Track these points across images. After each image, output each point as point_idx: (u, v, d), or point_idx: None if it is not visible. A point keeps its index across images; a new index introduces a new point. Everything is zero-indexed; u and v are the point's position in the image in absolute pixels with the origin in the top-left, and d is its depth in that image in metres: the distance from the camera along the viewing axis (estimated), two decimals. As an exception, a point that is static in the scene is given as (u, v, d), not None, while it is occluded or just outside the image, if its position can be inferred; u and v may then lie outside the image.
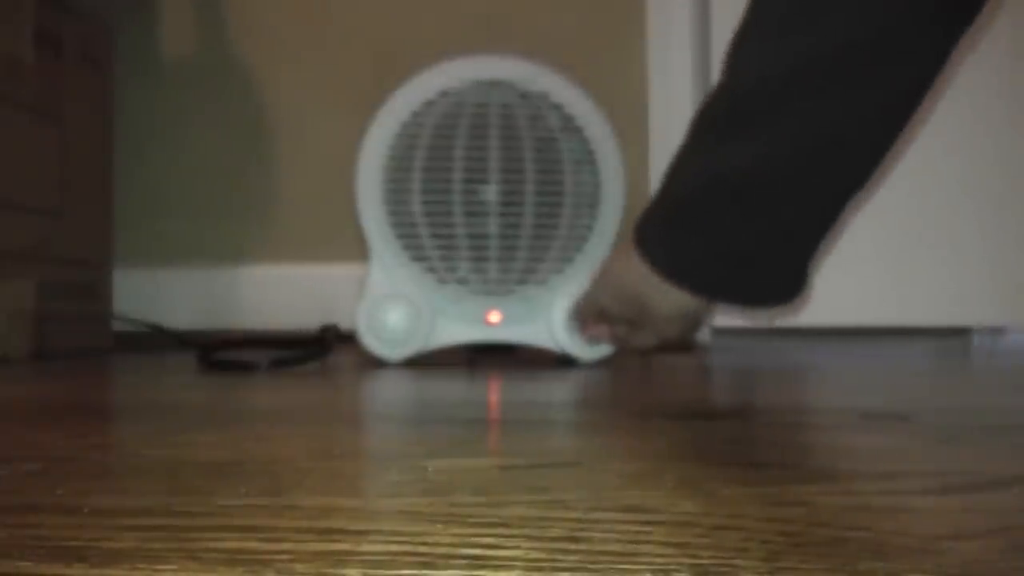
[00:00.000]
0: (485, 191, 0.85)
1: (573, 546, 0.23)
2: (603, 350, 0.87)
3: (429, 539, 0.23)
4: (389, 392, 0.67)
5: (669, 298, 0.68)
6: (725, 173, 0.61)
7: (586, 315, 0.81)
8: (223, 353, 0.86)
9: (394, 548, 0.23)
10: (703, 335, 1.23)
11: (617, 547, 0.23)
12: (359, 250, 0.91)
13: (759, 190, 0.60)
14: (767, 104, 0.58)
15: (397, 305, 0.85)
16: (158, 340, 1.18)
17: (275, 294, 1.28)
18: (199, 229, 1.31)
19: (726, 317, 1.25)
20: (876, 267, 1.25)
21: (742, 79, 0.60)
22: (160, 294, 1.28)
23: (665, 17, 1.24)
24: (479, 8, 1.28)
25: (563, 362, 0.88)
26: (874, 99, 0.56)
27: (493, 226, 0.85)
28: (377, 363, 0.86)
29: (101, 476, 0.33)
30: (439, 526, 0.25)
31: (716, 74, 1.31)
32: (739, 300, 0.68)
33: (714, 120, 0.62)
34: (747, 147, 0.59)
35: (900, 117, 0.58)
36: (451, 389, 0.66)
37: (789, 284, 0.65)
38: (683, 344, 0.80)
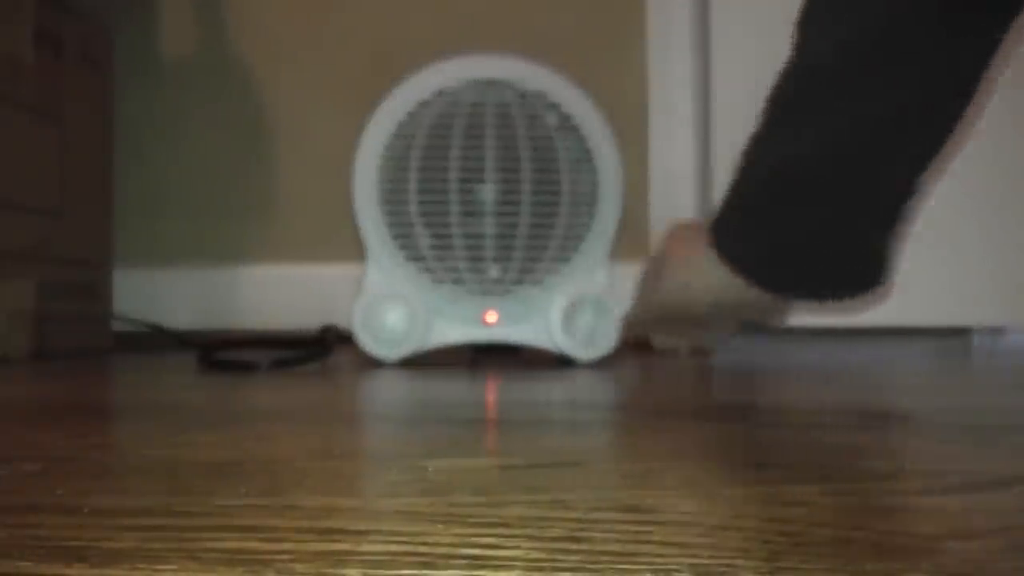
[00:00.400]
0: (481, 191, 0.85)
1: (573, 546, 0.23)
2: (602, 350, 0.87)
3: (429, 539, 0.23)
4: (389, 392, 0.67)
5: (745, 295, 0.66)
6: (794, 161, 0.60)
7: (644, 325, 0.78)
8: (223, 353, 0.86)
9: (394, 548, 0.23)
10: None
11: (617, 547, 0.23)
12: (358, 250, 0.91)
13: (829, 175, 0.59)
14: (834, 85, 0.57)
15: (393, 305, 0.85)
16: (158, 340, 1.18)
17: (275, 294, 1.28)
18: (199, 229, 1.31)
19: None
20: (876, 267, 1.25)
21: (812, 56, 0.59)
22: (160, 294, 1.28)
23: (665, 17, 1.24)
24: (478, 8, 1.28)
25: (562, 362, 0.88)
26: (938, 76, 0.56)
27: (490, 226, 0.85)
28: (377, 363, 0.87)
29: (101, 476, 0.33)
30: (439, 526, 0.25)
31: (716, 74, 1.31)
32: (822, 295, 0.66)
33: (786, 104, 0.61)
34: (818, 133, 0.58)
35: (964, 95, 0.57)
36: (451, 389, 0.66)
37: (870, 272, 0.63)
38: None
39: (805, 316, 1.24)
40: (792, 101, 0.60)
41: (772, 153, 0.61)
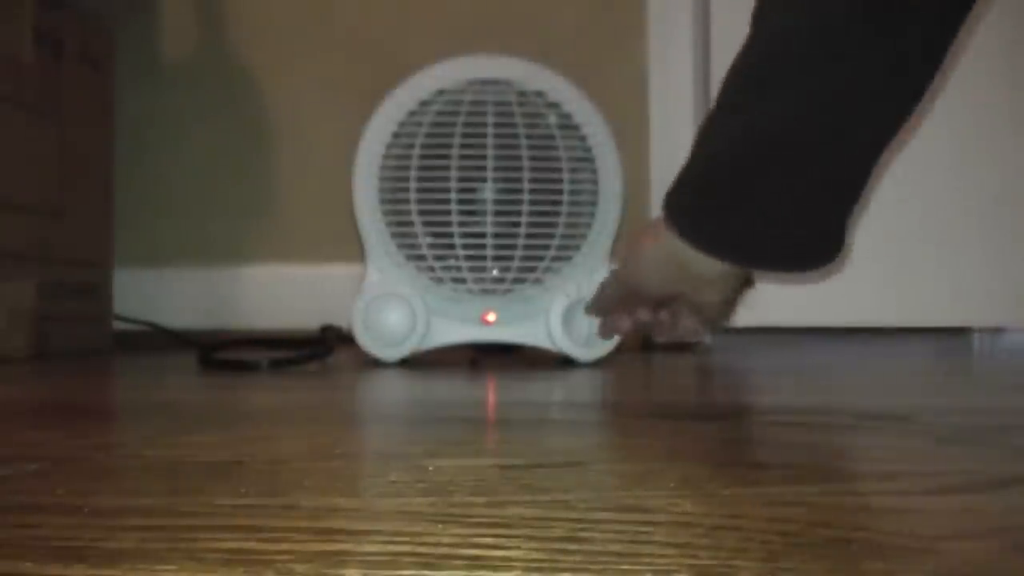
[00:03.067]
0: (482, 190, 0.85)
1: (573, 546, 0.23)
2: (602, 350, 0.87)
3: (429, 539, 0.23)
4: (389, 392, 0.67)
5: (709, 266, 0.65)
6: (755, 136, 0.59)
7: (610, 304, 0.78)
8: (223, 353, 0.86)
9: (394, 548, 0.23)
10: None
11: (617, 547, 0.23)
12: (358, 250, 0.91)
13: (791, 150, 0.58)
14: (794, 60, 0.56)
15: (393, 305, 0.85)
16: (158, 340, 1.18)
17: (275, 294, 1.28)
18: (199, 229, 1.31)
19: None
20: (876, 267, 1.25)
21: (767, 35, 0.58)
22: (160, 294, 1.28)
23: (665, 17, 1.24)
24: (479, 8, 1.28)
25: (563, 362, 0.88)
26: (906, 46, 0.55)
27: (490, 226, 0.85)
28: (377, 363, 0.86)
29: (101, 476, 0.33)
30: (439, 526, 0.25)
31: (716, 72, 1.31)
32: (780, 266, 0.65)
33: (741, 81, 0.61)
34: (776, 107, 0.57)
35: (932, 64, 0.56)
36: (451, 389, 0.66)
37: (828, 245, 0.62)
38: (720, 323, 0.75)
39: (796, 313, 1.24)
40: (758, 77, 0.59)
41: (733, 129, 0.60)
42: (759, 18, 0.60)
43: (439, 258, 0.86)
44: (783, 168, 0.59)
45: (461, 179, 0.84)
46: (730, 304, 0.72)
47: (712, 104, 0.64)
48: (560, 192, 0.85)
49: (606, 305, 0.79)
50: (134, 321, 1.18)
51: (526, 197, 0.85)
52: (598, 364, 0.87)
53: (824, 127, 0.58)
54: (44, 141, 1.02)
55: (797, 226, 0.62)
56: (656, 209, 1.25)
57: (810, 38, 0.56)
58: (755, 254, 0.65)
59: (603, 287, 0.79)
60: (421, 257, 0.86)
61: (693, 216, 0.65)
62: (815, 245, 0.63)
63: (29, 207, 0.99)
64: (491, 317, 0.87)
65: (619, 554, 0.22)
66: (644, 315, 0.76)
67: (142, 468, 0.35)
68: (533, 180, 0.85)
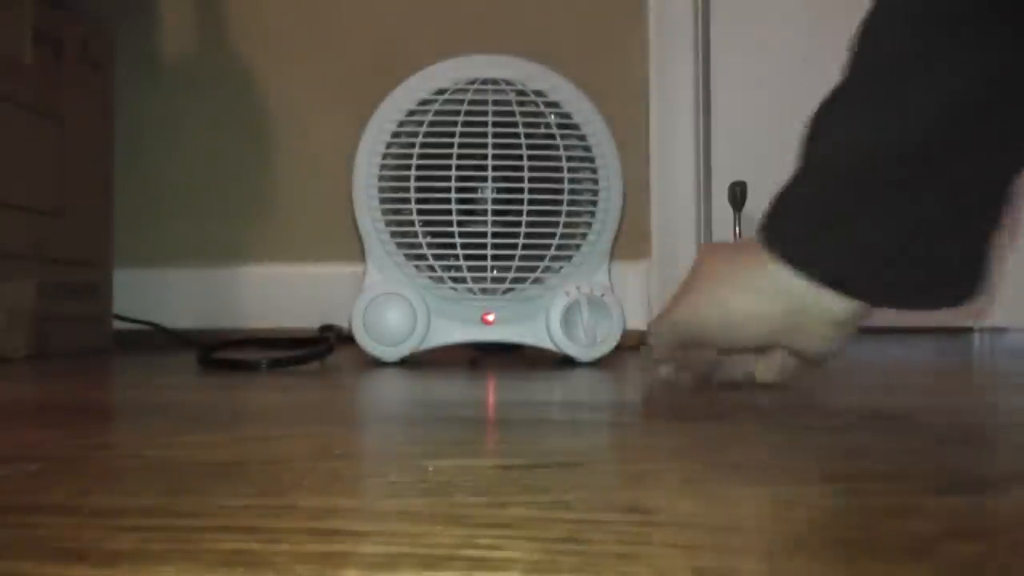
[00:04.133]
0: (482, 190, 0.85)
1: (573, 547, 0.23)
2: (602, 350, 0.87)
3: (429, 540, 0.23)
4: (389, 392, 0.67)
5: (822, 311, 0.53)
6: (886, 148, 0.49)
7: (667, 356, 0.64)
8: (223, 353, 0.86)
9: (394, 549, 0.23)
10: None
11: (618, 548, 0.23)
12: (358, 250, 0.91)
13: (929, 165, 0.49)
14: (958, 26, 0.47)
15: (393, 305, 0.85)
16: (158, 340, 1.18)
17: (275, 294, 1.28)
18: (199, 229, 1.31)
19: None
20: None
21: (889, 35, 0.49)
22: (160, 294, 1.28)
23: (665, 17, 1.24)
24: (479, 8, 1.28)
25: (563, 362, 0.88)
26: None
27: (490, 225, 0.85)
28: (377, 363, 0.86)
29: (101, 476, 0.33)
30: (439, 527, 0.25)
31: (717, 72, 1.31)
32: (917, 304, 0.55)
33: (875, 68, 0.50)
34: (910, 112, 0.48)
35: None
36: (451, 389, 0.66)
37: (971, 280, 0.53)
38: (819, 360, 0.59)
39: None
40: (892, 60, 0.48)
41: (860, 133, 0.50)
42: (868, 31, 0.50)
43: (439, 258, 0.86)
44: (922, 186, 0.49)
45: (461, 179, 0.84)
46: (836, 351, 0.58)
47: (827, 96, 0.52)
48: (560, 192, 0.85)
49: (664, 358, 0.64)
50: (134, 321, 1.18)
51: (526, 197, 0.85)
52: (598, 364, 0.87)
53: (966, 134, 0.48)
54: (44, 141, 1.02)
55: (938, 258, 0.52)
56: (656, 209, 1.25)
57: (939, 32, 0.47)
58: (895, 292, 0.54)
59: (657, 339, 0.63)
60: (421, 257, 0.86)
61: (820, 245, 0.52)
62: (958, 279, 0.53)
63: (29, 207, 0.99)
64: (491, 317, 0.87)
65: (619, 555, 0.22)
66: (703, 364, 0.62)
67: (142, 468, 0.35)
68: (533, 180, 0.85)
